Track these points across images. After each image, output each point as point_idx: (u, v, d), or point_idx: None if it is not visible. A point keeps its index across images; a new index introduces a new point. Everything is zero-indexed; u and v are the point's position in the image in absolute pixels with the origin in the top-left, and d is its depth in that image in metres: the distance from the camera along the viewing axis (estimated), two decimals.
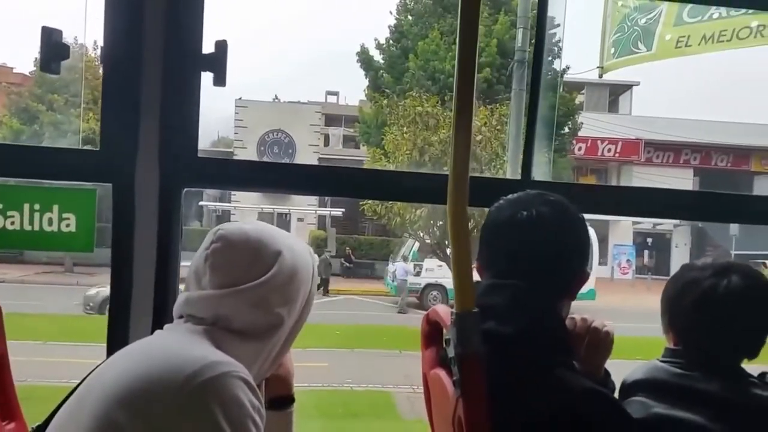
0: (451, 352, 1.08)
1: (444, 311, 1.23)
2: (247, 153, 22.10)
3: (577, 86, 21.17)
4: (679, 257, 22.36)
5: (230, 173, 1.71)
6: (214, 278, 1.10)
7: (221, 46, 1.54)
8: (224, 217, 21.94)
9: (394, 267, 17.27)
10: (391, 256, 18.58)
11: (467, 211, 1.05)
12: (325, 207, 20.79)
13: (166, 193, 1.57)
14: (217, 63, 1.54)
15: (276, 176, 1.75)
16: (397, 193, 1.93)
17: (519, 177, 1.66)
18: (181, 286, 1.27)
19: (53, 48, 1.52)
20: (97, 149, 1.56)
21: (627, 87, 24.26)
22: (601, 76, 5.61)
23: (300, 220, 21.78)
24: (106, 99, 1.55)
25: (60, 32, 1.53)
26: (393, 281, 16.87)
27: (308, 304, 1.18)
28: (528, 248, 1.25)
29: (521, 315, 1.19)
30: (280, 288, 1.11)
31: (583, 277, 1.29)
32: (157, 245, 1.58)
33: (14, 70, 19.77)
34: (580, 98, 21.39)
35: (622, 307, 15.44)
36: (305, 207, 20.97)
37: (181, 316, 1.13)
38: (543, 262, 1.24)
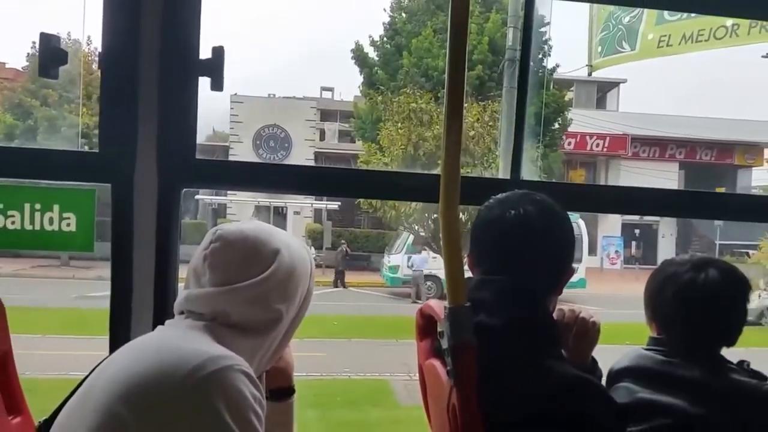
0: (444, 343, 1.11)
1: (437, 305, 1.25)
2: (243, 147, 22.02)
3: (567, 83, 21.20)
4: (666, 247, 22.52)
5: (228, 174, 1.72)
6: (214, 277, 1.11)
7: (218, 51, 1.54)
8: (220, 210, 21.88)
9: (389, 259, 17.30)
10: (387, 248, 18.61)
11: (458, 211, 1.07)
12: (322, 200, 20.74)
13: (164, 193, 1.57)
14: (215, 68, 1.54)
15: (273, 177, 1.75)
16: (392, 192, 1.94)
17: (508, 176, 1.68)
18: (181, 284, 1.27)
19: (52, 53, 1.51)
20: (97, 150, 1.56)
21: (614, 84, 24.34)
22: (590, 74, 5.64)
23: (296, 213, 21.73)
24: (104, 102, 1.54)
25: (58, 38, 1.53)
26: (389, 273, 16.94)
27: (306, 299, 1.20)
28: (516, 246, 1.28)
29: (510, 308, 1.22)
30: (279, 285, 1.12)
31: (569, 273, 1.32)
32: (156, 244, 1.58)
33: (7, 65, 19.54)
34: (569, 95, 21.43)
35: (612, 295, 15.56)
36: (302, 200, 20.93)
37: (181, 312, 1.14)
38: (530, 258, 1.27)
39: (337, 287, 16.67)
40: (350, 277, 17.58)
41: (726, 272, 1.45)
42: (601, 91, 24.77)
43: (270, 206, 19.80)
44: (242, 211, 20.24)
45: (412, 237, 16.48)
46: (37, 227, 1.58)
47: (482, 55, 16.44)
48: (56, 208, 1.58)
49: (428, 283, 15.87)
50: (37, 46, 1.52)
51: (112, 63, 1.54)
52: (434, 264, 15.35)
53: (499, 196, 1.35)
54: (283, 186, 1.88)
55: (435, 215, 13.91)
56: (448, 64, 1.05)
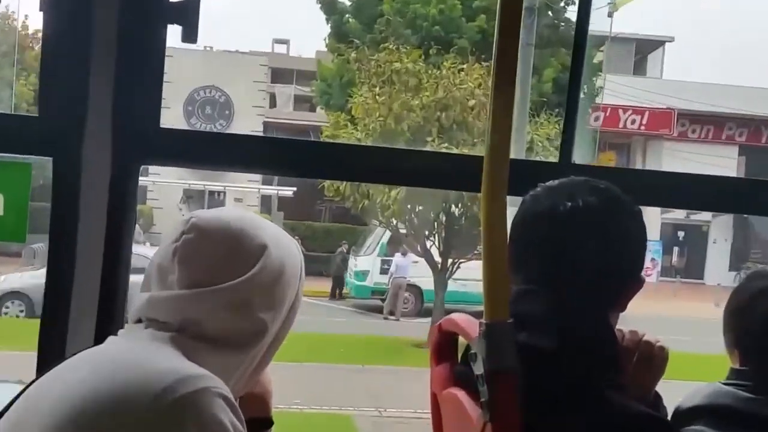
0: (478, 368, 1.13)
1: (465, 321, 1.28)
2: (171, 114, 21.75)
3: (597, 41, 21.19)
4: (717, 255, 22.58)
5: (201, 148, 1.75)
6: (184, 276, 1.13)
7: None
8: (139, 194, 21.64)
9: (355, 262, 17.32)
10: (353, 248, 18.57)
11: (505, 202, 1.11)
12: (272, 185, 20.56)
13: (120, 169, 1.60)
14: (188, 14, 1.58)
15: (264, 152, 1.77)
16: (420, 177, 1.94)
17: (556, 160, 1.72)
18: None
19: None
20: (35, 115, 1.59)
21: (658, 44, 24.26)
22: (610, 14, 5.76)
23: (238, 200, 21.51)
24: (46, 55, 1.58)
25: None
26: (355, 279, 17.12)
27: (294, 307, 1.22)
28: (572, 247, 1.30)
29: (563, 327, 1.25)
30: (265, 289, 1.15)
31: (638, 285, 1.35)
32: (105, 233, 1.61)
33: None
34: (599, 56, 21.42)
35: (640, 315, 15.64)
36: (245, 184, 20.74)
37: (139, 320, 1.16)
38: (590, 264, 1.29)
39: (334, 298, 17.25)
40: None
41: None
42: (641, 53, 24.70)
43: (204, 190, 19.65)
44: (167, 196, 20.07)
45: (388, 235, 16.44)
46: None
47: (486, 2, 16.42)
48: None
49: (406, 294, 15.96)
50: None
51: (57, 7, 1.57)
52: (416, 270, 15.34)
53: (550, 183, 1.36)
54: (276, 165, 1.89)
55: (420, 208, 13.83)
56: (498, 22, 1.09)
